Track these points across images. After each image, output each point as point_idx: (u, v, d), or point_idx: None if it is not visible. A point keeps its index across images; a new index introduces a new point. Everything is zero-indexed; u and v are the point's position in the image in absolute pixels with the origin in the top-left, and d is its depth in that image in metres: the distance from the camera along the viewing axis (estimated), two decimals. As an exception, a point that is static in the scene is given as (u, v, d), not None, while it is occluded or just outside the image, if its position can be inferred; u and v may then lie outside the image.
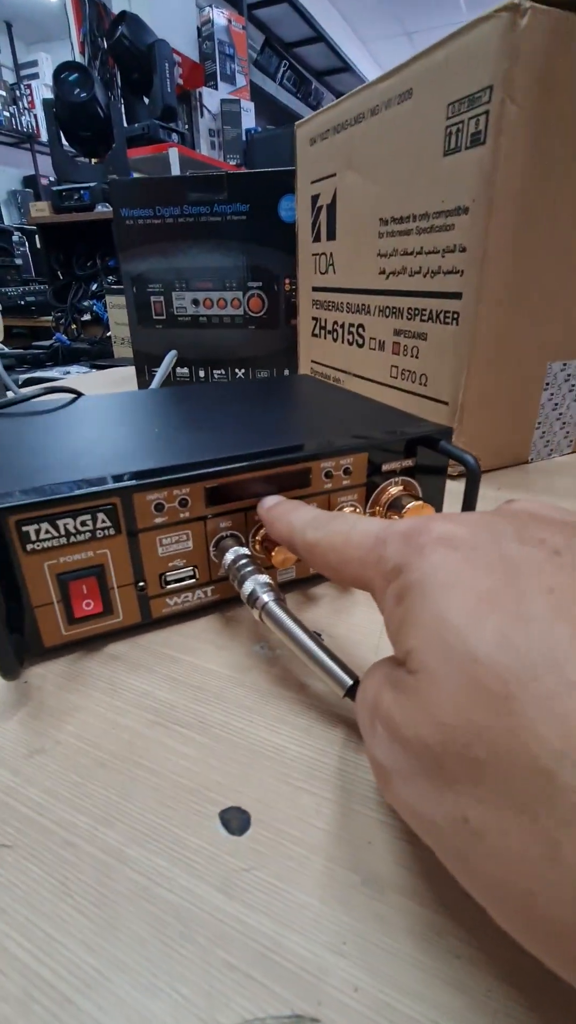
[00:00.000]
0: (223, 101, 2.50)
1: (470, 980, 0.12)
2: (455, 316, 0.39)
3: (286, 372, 0.66)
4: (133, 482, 0.22)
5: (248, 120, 2.54)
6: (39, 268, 2.50)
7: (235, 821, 0.16)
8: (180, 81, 2.50)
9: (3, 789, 0.18)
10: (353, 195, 0.49)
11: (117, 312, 1.66)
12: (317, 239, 0.56)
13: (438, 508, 0.29)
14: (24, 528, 0.20)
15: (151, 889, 0.15)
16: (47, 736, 0.20)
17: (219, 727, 0.20)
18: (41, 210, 2.10)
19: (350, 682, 0.18)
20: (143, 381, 0.71)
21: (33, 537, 0.21)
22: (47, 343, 2.13)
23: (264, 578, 0.22)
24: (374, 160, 0.45)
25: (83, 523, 0.21)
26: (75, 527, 0.21)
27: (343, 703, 0.20)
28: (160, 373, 0.47)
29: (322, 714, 0.20)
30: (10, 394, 0.49)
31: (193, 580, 0.25)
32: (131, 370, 0.72)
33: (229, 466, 0.23)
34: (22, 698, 0.22)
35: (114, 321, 1.67)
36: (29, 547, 0.21)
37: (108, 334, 1.78)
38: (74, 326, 2.14)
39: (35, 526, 0.21)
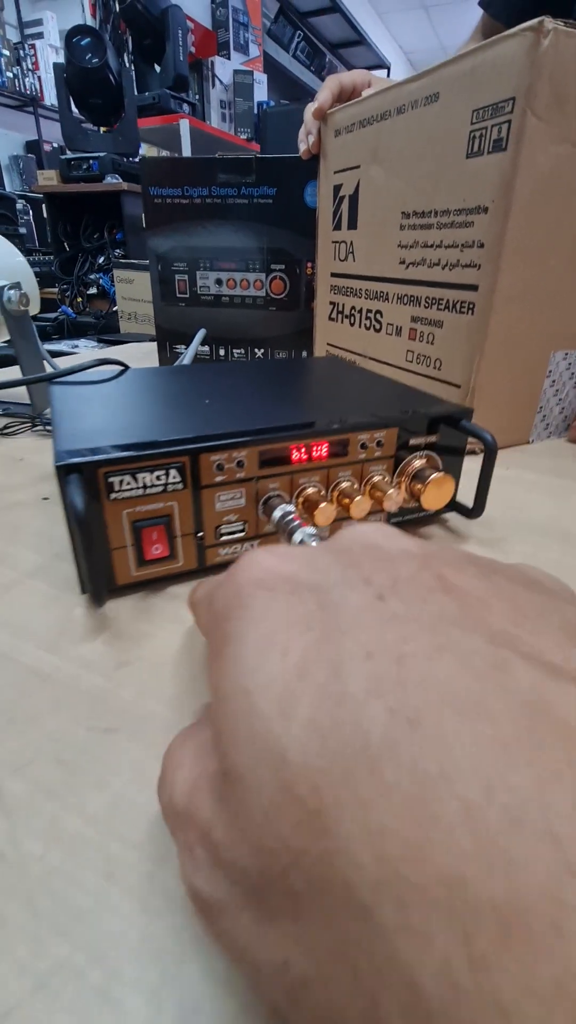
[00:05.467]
0: (236, 72, 2.47)
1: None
2: (471, 306, 0.43)
3: (304, 353, 0.69)
4: (200, 444, 0.25)
5: (260, 93, 2.52)
6: (43, 238, 2.48)
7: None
8: (192, 49, 2.47)
9: (102, 689, 0.22)
10: (376, 188, 0.52)
11: (124, 286, 1.66)
12: (338, 227, 0.59)
13: (456, 481, 0.33)
14: (110, 479, 0.24)
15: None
16: (130, 653, 0.24)
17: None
18: (49, 179, 2.08)
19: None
20: (164, 357, 0.74)
21: (116, 487, 0.24)
22: (52, 315, 2.13)
23: (311, 529, 0.25)
24: (399, 156, 0.48)
25: (158, 477, 0.25)
26: (151, 480, 0.25)
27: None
28: (191, 350, 0.50)
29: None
30: (48, 366, 0.52)
31: (243, 533, 0.29)
32: (146, 346, 0.75)
33: (280, 434, 0.27)
34: (101, 625, 0.25)
35: (121, 296, 1.68)
36: (112, 496, 0.24)
37: (115, 308, 1.79)
38: (79, 299, 2.14)
39: (119, 478, 0.24)
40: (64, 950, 0.14)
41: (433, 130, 0.43)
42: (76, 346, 1.64)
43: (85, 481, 0.23)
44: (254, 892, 0.10)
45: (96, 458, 0.23)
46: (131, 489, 0.25)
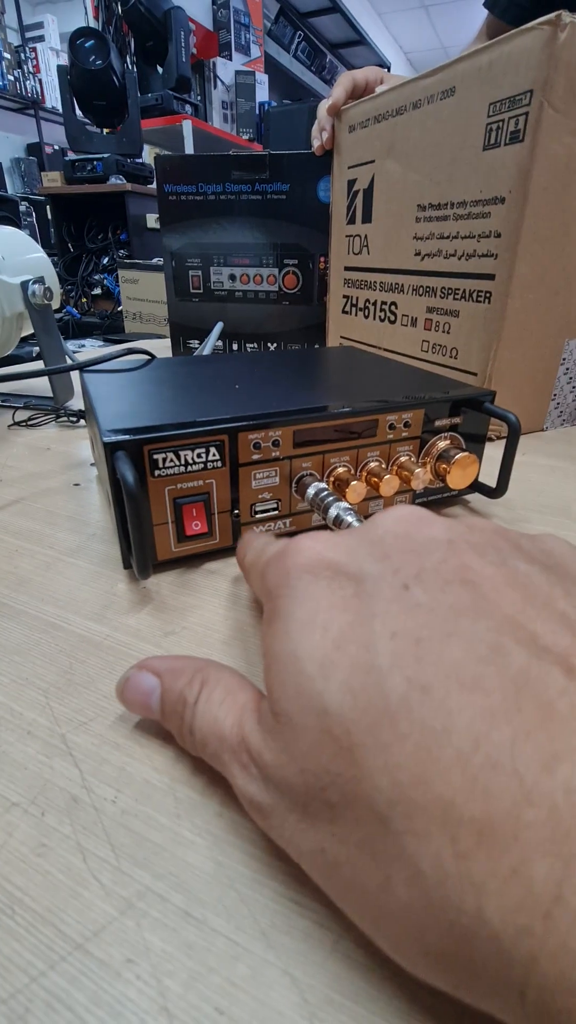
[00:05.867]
0: (237, 73, 2.49)
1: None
2: (487, 295, 0.44)
3: (316, 347, 0.70)
4: (239, 424, 0.26)
5: (262, 93, 2.53)
6: (46, 240, 2.50)
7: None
8: (194, 50, 2.48)
9: (152, 655, 0.22)
10: (392, 182, 0.53)
11: (129, 286, 1.67)
12: (352, 221, 0.60)
13: (479, 461, 0.34)
14: (154, 456, 0.25)
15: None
16: (175, 623, 0.25)
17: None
18: (53, 180, 2.09)
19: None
20: (178, 352, 0.75)
21: (160, 464, 0.25)
22: (57, 316, 2.14)
23: (346, 504, 0.26)
24: (415, 150, 0.48)
25: (199, 455, 0.26)
26: (192, 458, 0.26)
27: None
28: (210, 342, 0.51)
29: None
30: (68, 359, 0.53)
31: (276, 512, 0.29)
32: (156, 342, 0.76)
33: (314, 415, 0.28)
34: (145, 598, 0.26)
35: (126, 296, 1.68)
36: (157, 473, 0.25)
37: (119, 308, 1.80)
38: (84, 300, 2.15)
39: (163, 455, 0.25)
40: (145, 878, 0.15)
41: (449, 124, 0.44)
42: (83, 346, 1.65)
43: (131, 458, 0.24)
44: (299, 801, 0.13)
45: (142, 436, 0.24)
46: (173, 467, 0.26)
